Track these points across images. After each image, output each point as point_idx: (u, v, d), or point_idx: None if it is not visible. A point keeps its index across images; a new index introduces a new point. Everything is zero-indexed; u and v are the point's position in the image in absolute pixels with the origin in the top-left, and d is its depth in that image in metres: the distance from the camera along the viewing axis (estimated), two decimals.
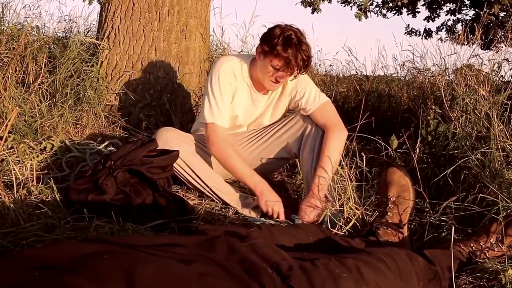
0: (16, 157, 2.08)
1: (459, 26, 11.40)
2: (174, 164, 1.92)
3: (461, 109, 2.38)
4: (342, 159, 1.91)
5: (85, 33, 3.39)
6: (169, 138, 1.97)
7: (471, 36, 3.35)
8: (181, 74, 3.04)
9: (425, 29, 12.32)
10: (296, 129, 2.11)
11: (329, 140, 1.97)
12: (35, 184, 1.81)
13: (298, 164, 2.27)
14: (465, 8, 10.67)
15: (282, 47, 1.85)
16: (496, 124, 2.04)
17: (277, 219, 1.89)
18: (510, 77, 2.83)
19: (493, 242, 1.53)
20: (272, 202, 1.90)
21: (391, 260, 1.19)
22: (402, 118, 3.05)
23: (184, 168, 2.01)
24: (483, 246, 1.53)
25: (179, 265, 0.89)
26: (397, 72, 4.27)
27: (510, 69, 2.84)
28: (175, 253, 0.97)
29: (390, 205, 1.66)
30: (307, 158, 2.03)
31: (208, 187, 2.01)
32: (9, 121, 1.71)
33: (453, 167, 1.97)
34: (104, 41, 2.94)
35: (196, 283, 0.85)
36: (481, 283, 1.39)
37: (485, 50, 4.04)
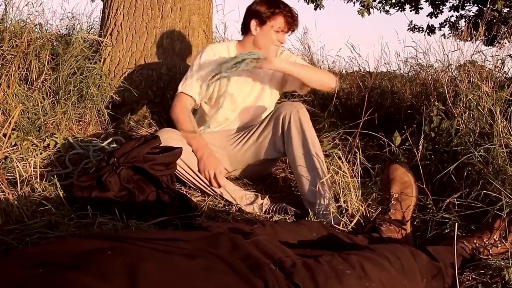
0: (20, 154, 2.09)
1: (462, 22, 11.38)
2: None
3: (464, 105, 2.38)
4: (344, 155, 1.91)
5: (88, 30, 3.38)
6: (169, 139, 1.97)
7: (474, 32, 3.33)
8: (184, 71, 3.04)
9: (428, 25, 12.31)
10: (276, 128, 2.08)
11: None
12: (38, 181, 1.82)
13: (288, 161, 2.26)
14: (468, 4, 10.65)
15: (276, 8, 2.07)
16: (499, 120, 2.04)
17: (282, 216, 1.89)
18: None
19: (497, 239, 1.53)
20: (208, 166, 1.97)
21: (395, 257, 1.19)
22: (405, 115, 3.04)
23: (185, 168, 2.01)
24: (487, 242, 1.53)
25: (183, 259, 0.89)
26: (400, 69, 4.25)
27: None
28: (178, 248, 0.97)
29: (393, 202, 1.66)
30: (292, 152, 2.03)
31: (209, 186, 2.02)
32: (12, 118, 1.71)
33: (456, 164, 1.97)
34: (107, 38, 2.94)
35: (200, 278, 0.85)
36: (485, 280, 1.39)
37: (488, 46, 4.02)
